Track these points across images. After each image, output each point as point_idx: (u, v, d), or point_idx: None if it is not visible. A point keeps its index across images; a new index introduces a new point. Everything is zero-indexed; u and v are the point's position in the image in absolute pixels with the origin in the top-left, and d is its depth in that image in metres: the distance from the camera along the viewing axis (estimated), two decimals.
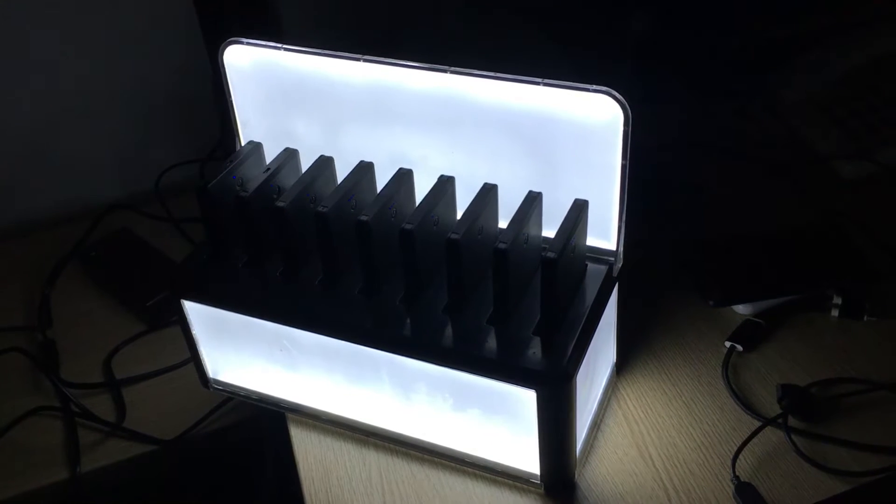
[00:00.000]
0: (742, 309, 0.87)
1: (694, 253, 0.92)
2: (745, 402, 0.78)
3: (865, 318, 0.85)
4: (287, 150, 0.78)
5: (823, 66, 1.15)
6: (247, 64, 0.76)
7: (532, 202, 0.69)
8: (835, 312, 0.85)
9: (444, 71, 0.69)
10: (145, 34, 1.13)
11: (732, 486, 0.71)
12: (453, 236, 0.66)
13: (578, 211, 0.69)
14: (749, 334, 0.84)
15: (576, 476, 0.73)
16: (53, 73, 1.12)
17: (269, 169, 0.76)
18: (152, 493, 0.96)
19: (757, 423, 0.76)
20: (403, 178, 0.73)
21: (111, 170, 1.21)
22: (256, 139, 0.80)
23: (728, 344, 0.83)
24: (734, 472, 0.72)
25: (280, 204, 0.71)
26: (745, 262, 0.89)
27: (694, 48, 1.11)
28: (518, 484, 0.73)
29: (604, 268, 0.73)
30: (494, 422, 0.71)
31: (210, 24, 1.02)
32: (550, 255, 0.64)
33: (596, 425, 0.77)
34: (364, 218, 0.68)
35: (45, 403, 0.93)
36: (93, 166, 1.19)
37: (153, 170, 1.16)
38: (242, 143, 0.81)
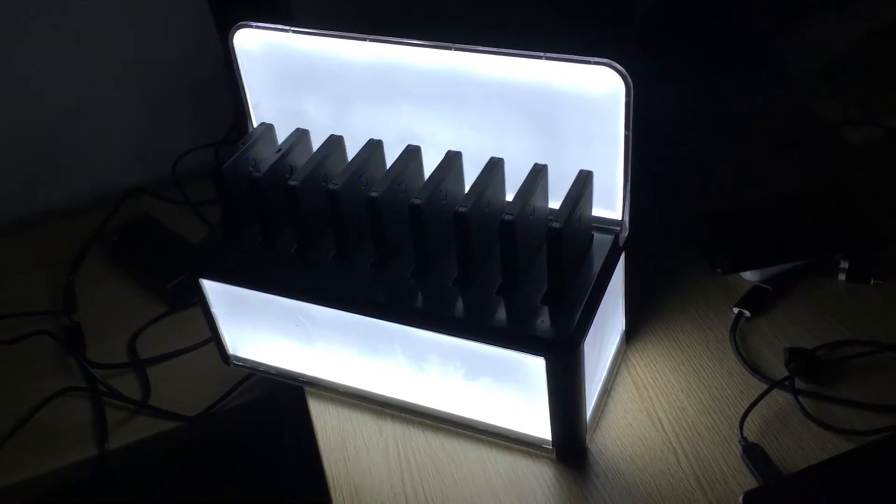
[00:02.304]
0: (750, 275, 0.87)
1: (702, 221, 0.93)
2: (753, 366, 0.79)
3: (872, 281, 0.86)
4: (298, 130, 0.80)
5: (829, 34, 1.15)
6: (256, 47, 0.78)
7: (538, 174, 0.71)
8: (842, 277, 0.86)
9: (449, 48, 0.70)
10: (157, 21, 1.15)
11: (740, 447, 0.73)
12: (461, 209, 0.67)
13: (583, 181, 0.70)
14: (757, 300, 0.85)
15: (587, 441, 0.75)
16: (69, 63, 1.14)
17: (280, 149, 0.77)
18: (178, 467, 0.99)
19: (764, 386, 0.77)
20: (412, 154, 0.75)
21: (129, 156, 1.23)
22: (268, 121, 0.81)
23: (736, 310, 0.84)
24: (742, 433, 0.74)
25: (292, 183, 0.72)
26: (753, 230, 0.90)
27: (699, 18, 1.11)
28: (531, 450, 0.75)
29: (610, 237, 0.74)
30: (506, 390, 0.72)
31: (220, 9, 1.04)
32: (556, 224, 0.65)
33: (606, 391, 0.79)
34: (374, 194, 0.70)
35: (73, 384, 0.96)
36: (111, 153, 1.22)
37: (170, 155, 1.18)
38: (254, 125, 0.82)
